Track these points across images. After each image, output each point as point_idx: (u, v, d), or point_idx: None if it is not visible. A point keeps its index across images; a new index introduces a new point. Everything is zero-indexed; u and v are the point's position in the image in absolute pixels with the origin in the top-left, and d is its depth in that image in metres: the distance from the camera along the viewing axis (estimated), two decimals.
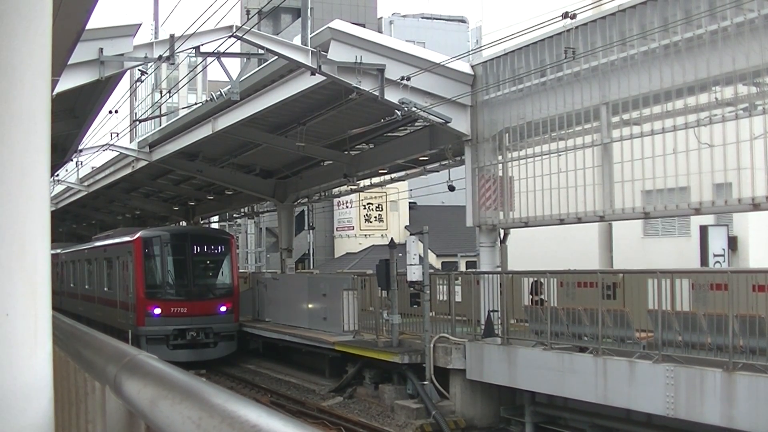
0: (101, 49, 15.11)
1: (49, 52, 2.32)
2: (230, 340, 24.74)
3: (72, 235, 50.51)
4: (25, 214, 2.24)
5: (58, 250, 36.72)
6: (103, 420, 2.71)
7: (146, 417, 2.08)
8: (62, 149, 22.00)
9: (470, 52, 20.34)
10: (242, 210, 38.73)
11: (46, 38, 2.28)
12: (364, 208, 46.65)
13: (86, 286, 32.43)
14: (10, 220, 2.22)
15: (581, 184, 15.03)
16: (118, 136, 25.98)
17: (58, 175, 32.30)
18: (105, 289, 28.81)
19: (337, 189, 30.88)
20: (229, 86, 17.26)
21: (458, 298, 18.38)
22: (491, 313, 16.19)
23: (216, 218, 43.72)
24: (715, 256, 23.00)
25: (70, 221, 51.59)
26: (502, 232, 17.55)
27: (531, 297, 16.09)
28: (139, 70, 16.89)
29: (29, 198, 2.24)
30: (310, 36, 16.28)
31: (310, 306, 23.09)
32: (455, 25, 59.08)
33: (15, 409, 2.21)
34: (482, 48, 20.63)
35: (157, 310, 23.95)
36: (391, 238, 20.02)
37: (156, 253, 24.84)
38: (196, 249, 25.38)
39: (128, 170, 30.01)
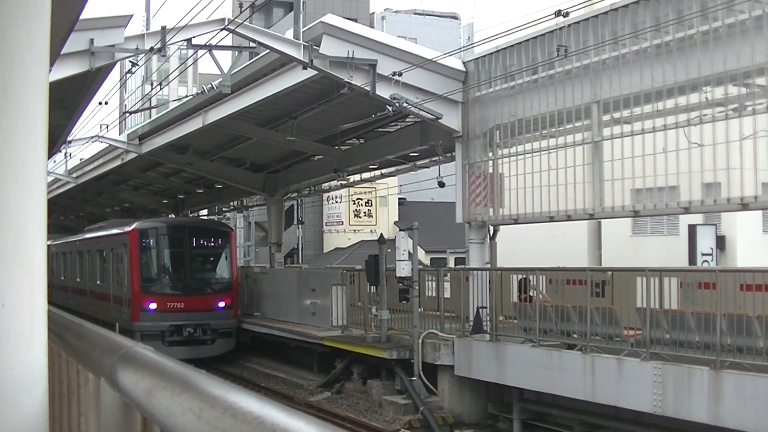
0: (92, 39, 15.02)
1: (48, 39, 2.29)
2: (228, 337, 23.84)
3: (59, 227, 50.17)
4: (21, 202, 2.21)
5: (49, 242, 36.36)
6: (97, 411, 2.69)
7: (144, 408, 2.06)
8: (51, 140, 21.82)
9: (462, 49, 20.37)
10: (231, 204, 38.63)
11: (45, 25, 2.25)
12: (354, 204, 46.57)
13: (78, 279, 31.72)
14: (6, 208, 2.19)
15: (571, 181, 15.06)
16: (107, 127, 25.86)
17: None
18: (98, 282, 28.00)
19: (327, 184, 30.88)
20: (221, 79, 17.19)
21: (447, 295, 18.38)
22: (480, 310, 16.21)
23: (205, 212, 43.59)
24: (703, 255, 23.11)
25: (58, 213, 51.25)
26: (491, 228, 17.57)
27: (519, 294, 16.12)
28: (129, 61, 16.81)
29: (26, 186, 2.21)
30: (302, 30, 16.25)
31: (298, 301, 23.03)
32: (447, 21, 59.09)
33: (10, 401, 2.19)
34: (474, 45, 20.62)
35: (153, 305, 23.01)
36: (381, 234, 19.99)
37: (152, 245, 23.98)
38: (194, 242, 24.45)
39: (117, 162, 29.86)
